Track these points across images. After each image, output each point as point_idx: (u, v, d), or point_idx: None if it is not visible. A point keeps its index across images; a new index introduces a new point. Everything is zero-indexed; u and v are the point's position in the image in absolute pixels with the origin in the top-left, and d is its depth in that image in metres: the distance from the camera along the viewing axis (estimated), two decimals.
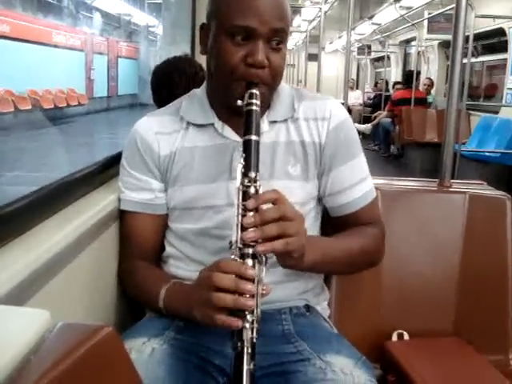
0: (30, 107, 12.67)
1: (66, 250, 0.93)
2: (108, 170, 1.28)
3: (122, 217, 1.18)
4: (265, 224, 0.87)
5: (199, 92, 1.18)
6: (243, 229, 0.87)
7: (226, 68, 1.02)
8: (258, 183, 0.91)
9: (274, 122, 1.13)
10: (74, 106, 15.33)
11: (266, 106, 1.10)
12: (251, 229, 0.87)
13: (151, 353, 0.95)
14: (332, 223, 1.21)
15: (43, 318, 0.56)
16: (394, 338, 1.41)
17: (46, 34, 14.27)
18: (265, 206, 0.88)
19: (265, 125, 1.11)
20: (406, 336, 1.42)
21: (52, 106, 14.00)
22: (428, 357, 1.35)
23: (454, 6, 1.57)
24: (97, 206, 1.10)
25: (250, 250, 0.87)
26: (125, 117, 16.31)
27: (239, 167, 0.92)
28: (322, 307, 1.22)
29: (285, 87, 1.17)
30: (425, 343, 1.41)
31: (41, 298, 0.86)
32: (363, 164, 1.18)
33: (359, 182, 1.16)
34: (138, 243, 1.17)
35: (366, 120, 10.85)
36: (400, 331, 1.42)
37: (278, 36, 1.01)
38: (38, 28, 13.80)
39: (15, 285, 0.77)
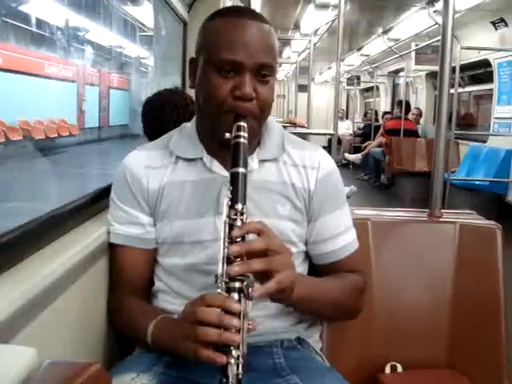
0: (21, 138, 12.65)
1: (55, 283, 0.91)
2: (98, 202, 1.27)
3: (112, 250, 1.16)
4: (250, 254, 0.87)
5: (189, 126, 1.19)
6: (229, 262, 0.87)
7: (214, 101, 1.02)
8: (245, 216, 0.90)
9: (264, 160, 1.13)
10: (65, 136, 15.33)
11: (255, 138, 1.11)
12: (236, 262, 0.86)
13: None
14: (315, 271, 1.21)
15: (29, 356, 0.55)
16: (387, 370, 1.40)
17: (39, 65, 14.35)
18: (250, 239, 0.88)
19: (254, 163, 1.12)
20: (400, 368, 1.40)
21: (43, 137, 13.98)
22: None
23: (439, 38, 1.60)
24: (87, 239, 1.08)
25: (236, 284, 0.86)
26: (116, 147, 16.30)
27: (226, 200, 0.92)
28: (314, 340, 1.21)
29: (274, 124, 1.18)
30: (419, 375, 1.39)
31: (29, 333, 0.84)
32: (348, 215, 1.20)
33: (344, 232, 1.17)
34: (128, 277, 1.15)
35: (356, 150, 10.93)
36: (393, 363, 1.40)
37: (265, 70, 1.02)
38: (30, 59, 13.89)
39: (2, 320, 0.76)
